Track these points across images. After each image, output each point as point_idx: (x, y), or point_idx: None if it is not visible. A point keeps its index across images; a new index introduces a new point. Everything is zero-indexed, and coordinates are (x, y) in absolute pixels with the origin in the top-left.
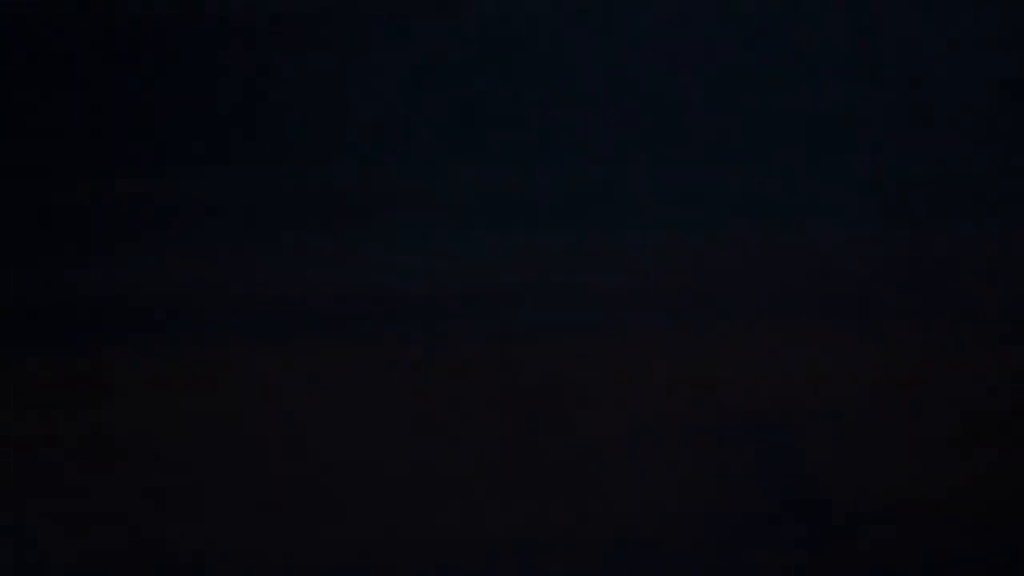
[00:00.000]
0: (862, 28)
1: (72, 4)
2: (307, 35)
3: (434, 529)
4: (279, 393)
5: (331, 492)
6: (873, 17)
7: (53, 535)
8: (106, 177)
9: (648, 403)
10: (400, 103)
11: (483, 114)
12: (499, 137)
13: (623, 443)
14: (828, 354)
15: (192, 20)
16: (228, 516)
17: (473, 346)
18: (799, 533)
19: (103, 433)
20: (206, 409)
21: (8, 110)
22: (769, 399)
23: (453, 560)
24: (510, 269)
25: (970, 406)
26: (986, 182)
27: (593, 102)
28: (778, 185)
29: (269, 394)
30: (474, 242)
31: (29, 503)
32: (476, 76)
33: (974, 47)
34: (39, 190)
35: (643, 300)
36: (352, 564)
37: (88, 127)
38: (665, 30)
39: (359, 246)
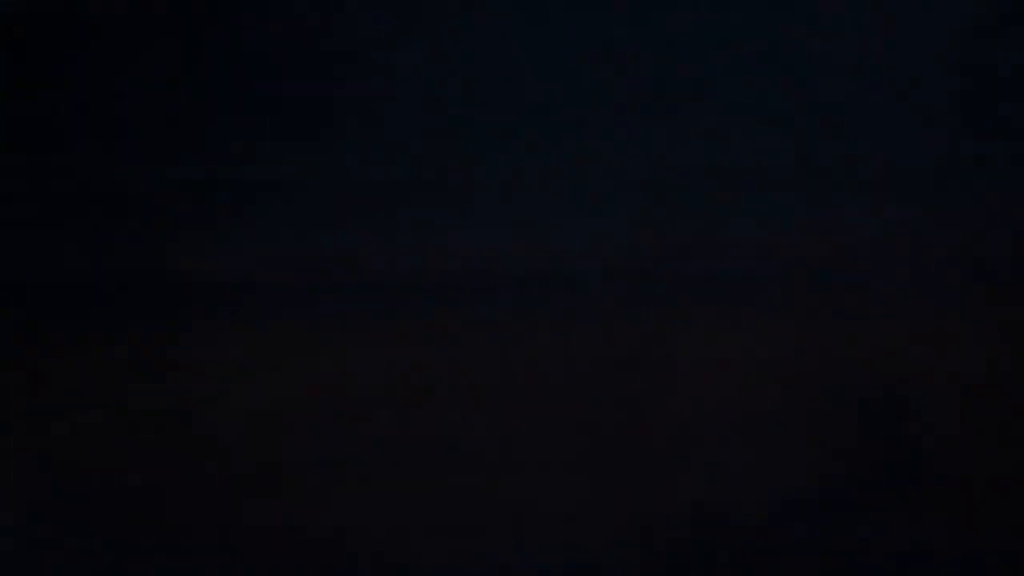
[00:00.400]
0: (856, 21)
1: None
2: (359, 24)
3: (513, 506)
4: (361, 373)
5: (395, 468)
6: (866, 9)
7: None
8: (179, 164)
9: (728, 378)
10: (456, 91)
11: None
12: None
13: (704, 419)
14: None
15: (261, 9)
16: (321, 496)
17: (552, 324)
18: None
19: (176, 413)
20: (289, 389)
21: (55, 101)
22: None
23: (540, 534)
24: (583, 251)
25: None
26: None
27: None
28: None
29: (351, 375)
30: (549, 225)
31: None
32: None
33: (961, 36)
34: (109, 179)
35: (718, 281)
36: (432, 535)
37: (150, 116)
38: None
39: (441, 230)
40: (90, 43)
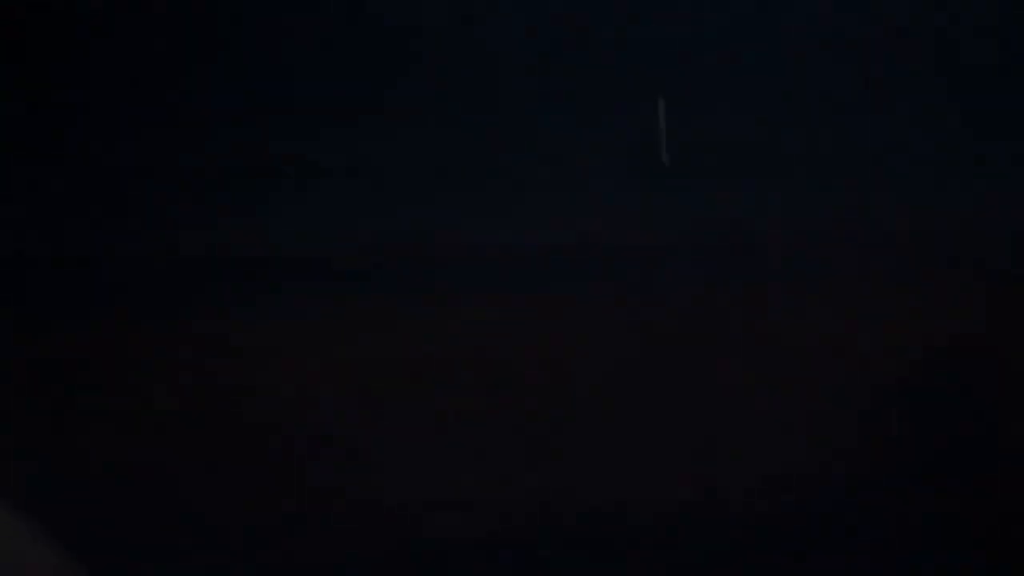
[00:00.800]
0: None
1: None
2: (361, 22)
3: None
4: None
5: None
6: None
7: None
8: (261, 139)
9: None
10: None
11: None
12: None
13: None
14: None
15: None
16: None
17: (634, 297)
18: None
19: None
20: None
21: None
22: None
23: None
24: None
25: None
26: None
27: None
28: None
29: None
30: (640, 198)
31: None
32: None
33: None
34: (112, 176)
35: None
36: (528, 509)
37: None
38: None
39: (524, 203)
40: (90, 43)
